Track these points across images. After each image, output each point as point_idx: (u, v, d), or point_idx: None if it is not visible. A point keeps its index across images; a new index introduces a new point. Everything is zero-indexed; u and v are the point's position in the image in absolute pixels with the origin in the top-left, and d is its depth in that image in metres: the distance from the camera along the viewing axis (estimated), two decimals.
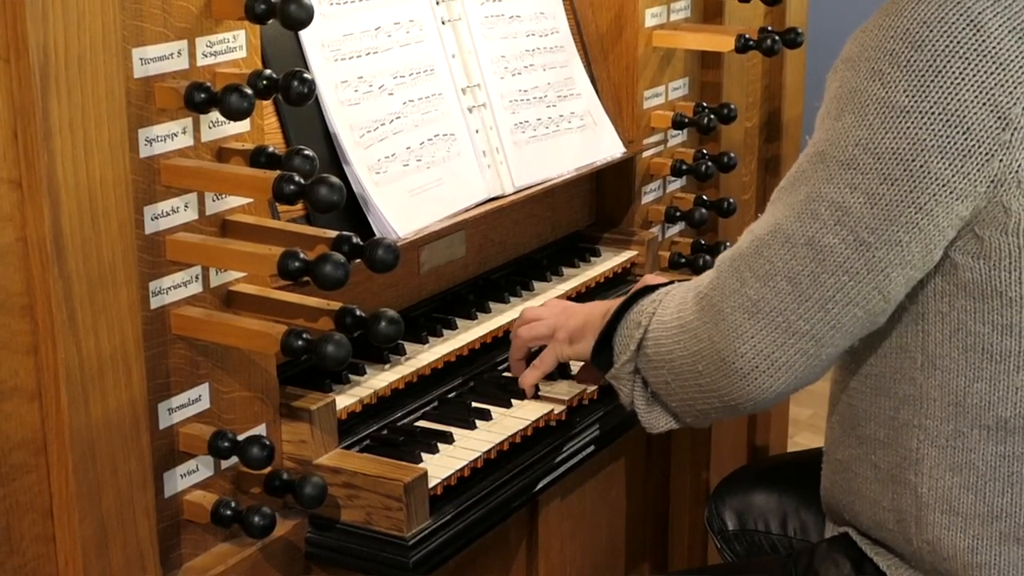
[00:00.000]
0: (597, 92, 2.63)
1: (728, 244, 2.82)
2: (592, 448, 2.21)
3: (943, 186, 1.64)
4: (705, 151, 2.82)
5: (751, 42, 2.67)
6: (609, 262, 2.68)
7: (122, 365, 1.64)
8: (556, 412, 2.15)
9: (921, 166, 1.64)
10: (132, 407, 1.66)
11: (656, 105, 2.75)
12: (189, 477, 1.81)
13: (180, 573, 1.81)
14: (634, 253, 2.72)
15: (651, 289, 1.98)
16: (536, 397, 2.17)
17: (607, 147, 2.61)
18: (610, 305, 2.07)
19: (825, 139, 1.71)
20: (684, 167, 2.77)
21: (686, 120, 2.75)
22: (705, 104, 2.80)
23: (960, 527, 1.79)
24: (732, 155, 2.80)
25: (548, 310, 2.20)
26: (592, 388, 2.22)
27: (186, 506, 1.81)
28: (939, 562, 1.82)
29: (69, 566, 1.64)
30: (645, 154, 2.75)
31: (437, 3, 2.31)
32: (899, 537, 1.85)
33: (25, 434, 1.59)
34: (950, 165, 1.63)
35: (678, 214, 2.81)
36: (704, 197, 2.83)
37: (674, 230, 2.88)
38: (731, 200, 2.82)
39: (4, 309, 1.55)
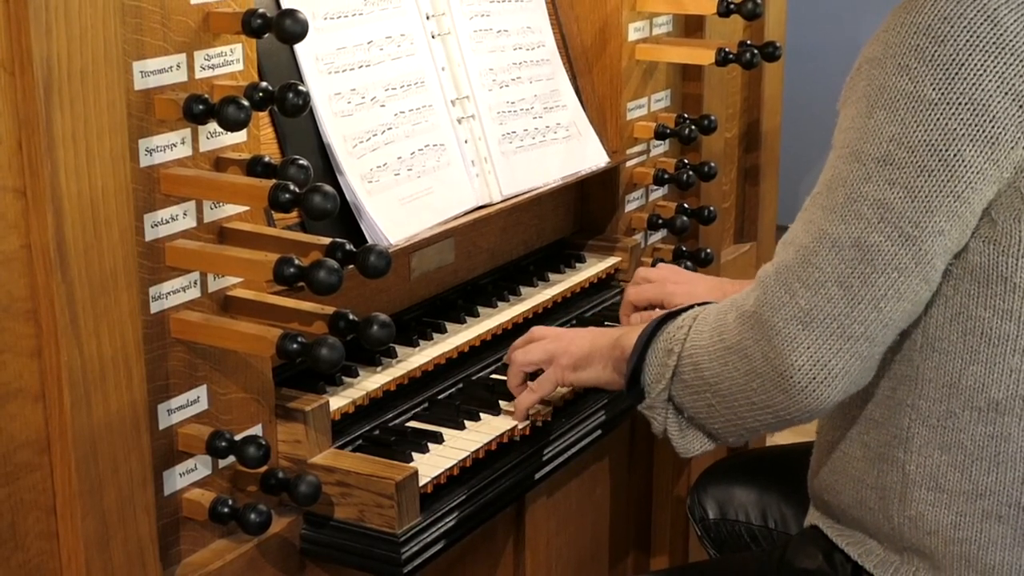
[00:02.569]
0: (582, 104, 2.64)
1: (709, 251, 2.84)
2: (576, 448, 2.22)
3: (977, 173, 1.64)
4: (686, 161, 2.83)
5: (731, 55, 2.68)
6: (593, 268, 2.69)
7: (123, 368, 1.64)
8: (542, 413, 2.16)
9: (955, 155, 1.63)
10: (133, 408, 1.66)
11: (639, 116, 2.76)
12: (188, 476, 1.82)
13: (179, 569, 1.81)
14: (618, 259, 2.73)
15: (672, 316, 1.92)
16: (528, 418, 2.13)
17: (592, 157, 2.62)
18: (617, 333, 2.04)
19: (858, 138, 1.69)
20: (666, 176, 2.78)
21: (668, 131, 2.76)
22: (686, 115, 2.81)
23: (945, 504, 1.80)
24: (712, 164, 2.81)
25: (540, 334, 2.17)
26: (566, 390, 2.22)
27: (185, 504, 1.82)
28: (920, 537, 1.83)
29: (72, 562, 1.64)
30: (628, 164, 2.76)
31: (427, 18, 2.32)
32: (879, 515, 1.86)
33: (29, 434, 1.60)
34: (981, 152, 1.63)
35: (660, 221, 2.82)
36: (685, 205, 2.84)
37: (656, 237, 2.89)
38: (711, 208, 2.84)
39: (9, 313, 1.56)
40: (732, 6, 2.67)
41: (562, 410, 2.21)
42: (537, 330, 2.19)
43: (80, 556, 1.64)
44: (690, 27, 2.88)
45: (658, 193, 2.88)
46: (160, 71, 1.70)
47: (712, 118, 2.77)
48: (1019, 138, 1.64)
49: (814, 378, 1.71)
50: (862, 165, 1.68)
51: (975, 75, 1.62)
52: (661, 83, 2.82)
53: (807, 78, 5.23)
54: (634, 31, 2.70)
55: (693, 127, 2.75)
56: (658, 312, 2.16)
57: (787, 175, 3.68)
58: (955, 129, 1.63)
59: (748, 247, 3.32)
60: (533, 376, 2.15)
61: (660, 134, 2.76)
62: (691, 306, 1.93)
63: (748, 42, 2.71)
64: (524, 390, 2.15)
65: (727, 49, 2.68)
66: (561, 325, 2.50)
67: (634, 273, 2.41)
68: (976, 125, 1.63)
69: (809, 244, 1.72)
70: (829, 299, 1.69)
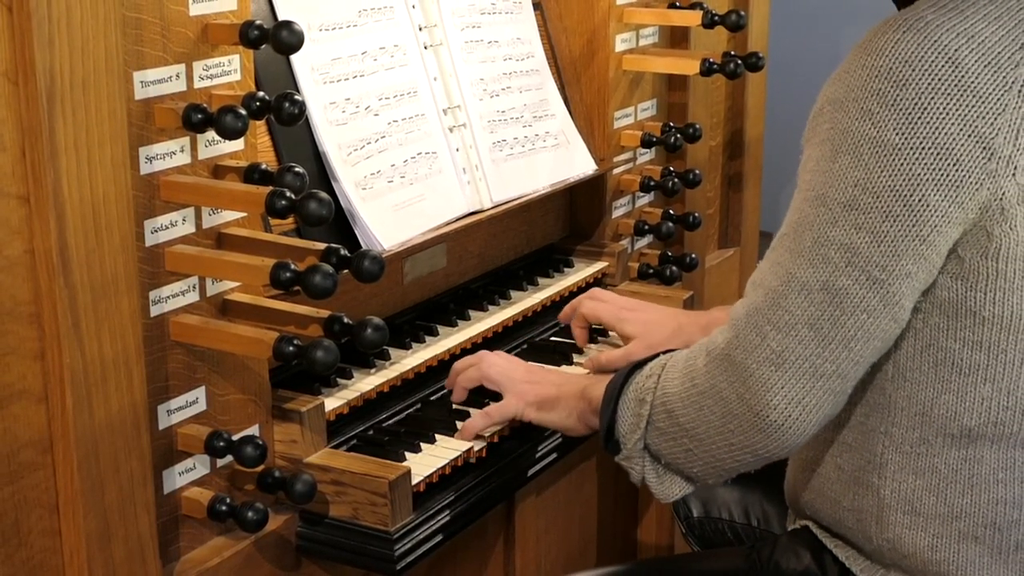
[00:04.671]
0: (570, 113, 2.65)
1: (694, 256, 2.84)
2: (565, 448, 2.22)
3: (942, 216, 1.63)
4: (672, 168, 2.84)
5: (715, 66, 2.69)
6: (581, 272, 2.70)
7: (124, 369, 1.65)
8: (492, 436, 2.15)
9: (920, 200, 1.62)
10: (133, 409, 1.67)
11: (626, 125, 2.77)
12: (187, 475, 1.82)
13: (178, 565, 1.81)
14: (605, 264, 2.74)
15: (639, 366, 1.91)
16: (478, 438, 2.08)
17: (580, 164, 2.63)
18: (584, 383, 2.03)
19: (823, 182, 1.67)
20: (652, 183, 2.79)
21: (654, 139, 2.77)
22: (672, 124, 2.82)
23: (921, 526, 1.79)
24: (697, 172, 2.82)
25: (509, 362, 2.15)
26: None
27: (184, 502, 1.82)
28: (898, 559, 1.82)
29: (74, 559, 1.65)
30: (615, 171, 2.77)
31: (420, 29, 2.33)
32: (858, 535, 1.85)
33: (32, 434, 1.60)
34: (946, 196, 1.62)
35: (646, 227, 2.82)
36: (671, 211, 2.85)
37: (643, 242, 2.90)
38: (696, 214, 2.84)
39: (13, 317, 1.56)
40: (716, 18, 2.68)
41: None
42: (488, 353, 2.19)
43: (82, 553, 1.64)
44: (675, 38, 2.89)
45: (644, 200, 2.89)
46: (160, 81, 1.71)
47: (697, 127, 2.78)
48: (983, 180, 1.62)
49: (790, 415, 1.71)
50: (828, 210, 1.66)
51: (937, 119, 1.60)
52: (647, 93, 2.83)
53: (789, 88, 5.24)
54: (621, 42, 2.71)
55: (678, 135, 2.76)
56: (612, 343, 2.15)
57: (770, 182, 3.70)
58: (919, 174, 1.61)
59: (732, 252, 3.33)
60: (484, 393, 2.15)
61: (646, 142, 2.77)
62: (657, 355, 1.92)
63: (732, 53, 2.72)
64: (465, 393, 2.15)
65: (711, 59, 2.69)
66: (550, 328, 2.52)
67: (620, 278, 2.40)
68: (940, 169, 1.61)
69: (778, 287, 1.71)
70: (800, 341, 1.69)
